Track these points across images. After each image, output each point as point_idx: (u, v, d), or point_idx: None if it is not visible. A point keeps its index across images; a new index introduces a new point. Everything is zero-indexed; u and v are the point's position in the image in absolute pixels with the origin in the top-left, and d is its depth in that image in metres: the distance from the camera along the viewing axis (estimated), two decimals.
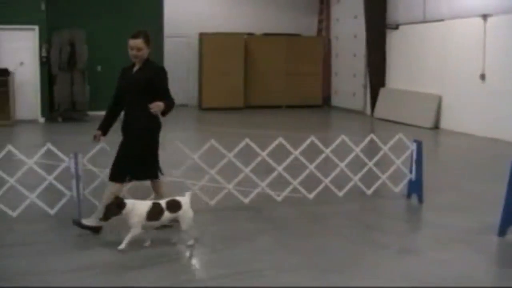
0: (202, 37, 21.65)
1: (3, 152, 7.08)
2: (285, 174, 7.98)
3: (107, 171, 7.41)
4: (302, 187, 8.04)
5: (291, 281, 5.36)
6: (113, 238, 6.41)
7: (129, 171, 6.52)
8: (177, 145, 7.67)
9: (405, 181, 8.36)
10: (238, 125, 17.46)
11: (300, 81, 22.27)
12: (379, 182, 8.39)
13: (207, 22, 22.31)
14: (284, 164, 7.96)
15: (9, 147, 7.08)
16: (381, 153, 8.44)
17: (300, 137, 8.59)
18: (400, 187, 8.39)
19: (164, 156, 7.61)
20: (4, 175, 7.11)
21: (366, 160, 8.39)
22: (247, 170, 7.84)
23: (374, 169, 8.41)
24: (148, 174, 6.71)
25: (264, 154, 7.86)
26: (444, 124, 16.25)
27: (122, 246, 5.94)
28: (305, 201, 7.99)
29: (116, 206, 5.96)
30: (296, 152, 8.01)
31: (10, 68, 17.82)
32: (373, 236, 6.77)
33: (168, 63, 21.05)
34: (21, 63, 18.26)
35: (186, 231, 6.16)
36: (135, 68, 6.61)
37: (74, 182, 6.89)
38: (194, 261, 6.00)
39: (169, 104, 6.48)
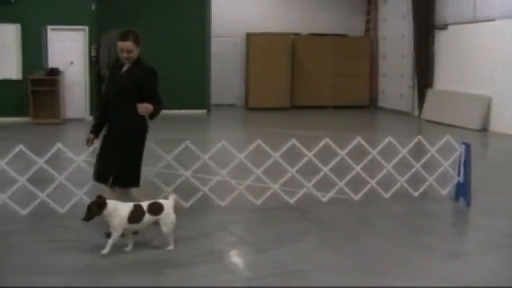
0: (249, 37, 21.69)
1: (53, 150, 7.20)
2: (331, 175, 7.95)
3: (154, 170, 7.51)
4: (348, 188, 8.00)
5: (336, 282, 5.34)
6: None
7: (113, 174, 6.31)
8: (223, 145, 7.70)
9: (453, 183, 8.26)
10: (284, 125, 17.44)
11: (347, 81, 22.16)
12: (426, 184, 8.30)
13: (254, 22, 22.34)
14: (330, 164, 7.93)
15: (58, 145, 7.21)
16: (428, 155, 8.35)
17: (347, 137, 8.55)
18: (448, 190, 8.28)
19: (211, 155, 7.68)
20: (54, 172, 7.24)
21: (413, 161, 8.31)
22: (293, 170, 7.84)
23: (421, 171, 8.33)
24: (130, 181, 6.46)
25: (310, 154, 7.85)
26: (493, 126, 15.95)
27: (105, 250, 5.83)
28: (350, 202, 7.95)
29: (97, 206, 5.84)
30: (343, 153, 7.97)
31: (60, 68, 18.12)
32: (419, 239, 6.70)
33: (215, 63, 21.19)
34: (71, 63, 18.54)
35: (166, 234, 6.00)
36: (124, 68, 6.44)
37: None
38: (239, 261, 6.03)
39: (158, 108, 6.37)
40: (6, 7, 18.02)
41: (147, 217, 5.92)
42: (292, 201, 7.79)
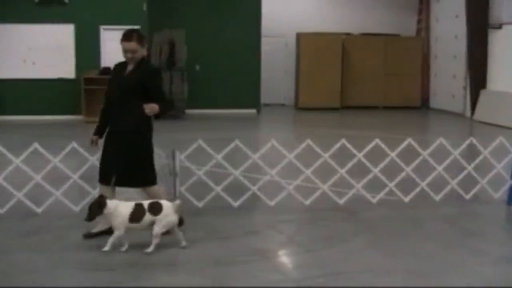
0: (300, 37, 21.68)
1: None
2: (381, 176, 7.90)
3: (204, 169, 7.58)
4: (398, 190, 7.94)
5: (385, 284, 5.29)
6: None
7: (115, 174, 6.23)
8: (273, 144, 7.72)
9: (506, 187, 8.11)
10: (334, 126, 17.39)
11: (398, 82, 21.96)
12: (478, 187, 8.17)
13: (304, 22, 22.32)
14: (381, 165, 7.88)
15: None
16: (480, 157, 8.22)
17: (397, 138, 8.48)
18: (500, 193, 8.15)
19: (260, 154, 7.71)
20: None
21: (465, 163, 8.20)
22: (342, 171, 7.81)
23: (473, 173, 8.20)
24: (142, 180, 6.42)
25: (360, 155, 7.81)
26: None
27: (106, 248, 5.87)
28: (400, 204, 7.88)
29: (97, 206, 5.85)
30: (393, 154, 7.91)
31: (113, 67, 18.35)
32: (469, 242, 6.59)
33: (265, 63, 21.21)
34: None
35: (154, 234, 5.89)
36: (129, 68, 6.34)
37: (171, 178, 7.01)
38: (287, 261, 6.03)
39: (164, 107, 6.28)
40: (61, 8, 18.38)
41: (147, 217, 5.88)
42: (341, 201, 7.76)
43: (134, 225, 5.89)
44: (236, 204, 7.58)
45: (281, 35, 22.70)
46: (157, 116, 6.25)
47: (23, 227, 6.81)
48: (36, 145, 7.34)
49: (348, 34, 22.07)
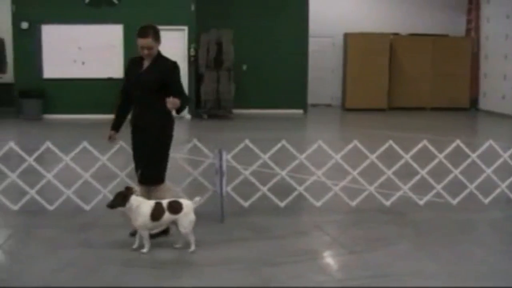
0: (347, 37, 21.58)
1: None
2: (428, 178, 7.82)
3: (250, 169, 7.60)
4: (445, 192, 7.85)
5: None
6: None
7: (139, 170, 6.30)
8: (320, 145, 7.71)
9: None
10: (381, 127, 17.25)
11: (447, 82, 21.69)
12: None
13: (352, 22, 22.22)
14: (428, 167, 7.81)
15: None
16: None
17: (445, 140, 8.39)
18: None
19: (307, 155, 7.71)
20: None
21: None
22: (389, 172, 7.76)
23: None
24: (151, 179, 6.38)
25: (407, 156, 7.74)
26: None
27: (145, 250, 5.90)
28: (448, 207, 7.79)
29: (122, 198, 5.86)
30: (441, 156, 7.83)
31: None
32: None
33: (312, 63, 21.17)
34: None
35: (185, 235, 5.93)
36: (145, 65, 6.31)
37: (217, 178, 7.06)
38: (332, 262, 6.02)
39: (184, 102, 6.18)
40: (110, 8, 18.66)
41: (167, 215, 5.88)
42: (387, 203, 7.71)
43: (154, 223, 5.92)
44: (282, 204, 7.59)
45: (329, 35, 22.63)
46: (178, 111, 6.18)
47: (72, 224, 6.94)
48: (85, 143, 7.47)
49: (396, 34, 21.89)
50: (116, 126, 6.57)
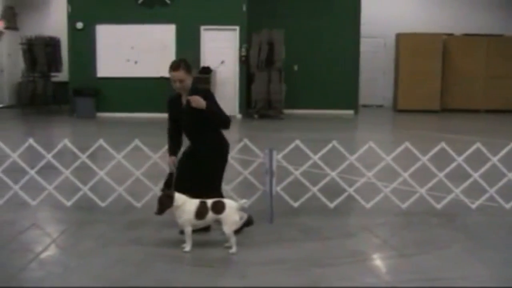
0: (399, 37, 21.39)
1: None
2: (481, 181, 7.68)
3: (300, 169, 7.59)
4: (499, 196, 7.70)
5: None
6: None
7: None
8: (370, 146, 7.65)
9: None
10: (433, 128, 17.05)
11: (502, 84, 21.32)
12: None
13: (404, 22, 22.04)
14: (481, 170, 7.67)
15: None
16: None
17: (499, 143, 8.23)
18: None
19: (358, 156, 7.66)
20: None
21: None
22: (441, 175, 7.65)
23: None
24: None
25: (460, 159, 7.63)
26: None
27: (187, 248, 5.93)
28: (501, 211, 7.64)
29: (167, 198, 5.92)
30: (495, 159, 7.69)
31: (212, 66, 18.70)
32: None
33: (363, 64, 21.07)
34: (222, 62, 19.10)
35: (228, 236, 5.91)
36: (184, 100, 6.45)
37: (267, 178, 7.06)
38: (382, 264, 5.96)
39: (212, 107, 6.27)
40: (163, 9, 18.87)
41: (210, 215, 5.92)
42: (438, 206, 7.60)
43: (198, 222, 5.97)
44: (332, 205, 7.56)
45: (380, 36, 22.48)
46: (209, 114, 6.27)
47: (123, 221, 7.03)
48: (137, 141, 7.56)
49: (449, 34, 21.59)
50: (174, 151, 6.58)
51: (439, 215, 7.41)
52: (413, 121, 18.95)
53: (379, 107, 22.71)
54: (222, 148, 6.53)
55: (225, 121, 6.44)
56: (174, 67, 6.37)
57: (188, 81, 6.40)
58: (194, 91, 6.42)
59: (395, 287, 5.21)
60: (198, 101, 6.20)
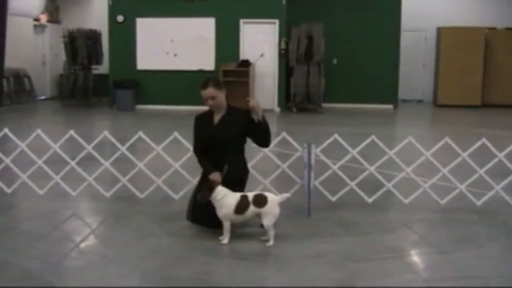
0: (440, 31, 21.12)
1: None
2: None
3: (339, 163, 7.56)
4: None
5: None
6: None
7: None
8: (410, 141, 7.58)
9: None
10: (474, 124, 16.85)
11: None
12: None
13: (445, 16, 21.78)
14: None
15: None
16: None
17: None
18: None
19: (396, 151, 7.60)
20: None
21: None
22: (481, 171, 7.55)
23: None
24: None
25: (501, 155, 7.52)
26: None
27: (225, 241, 5.94)
28: None
29: (208, 189, 5.89)
30: None
31: (251, 60, 18.71)
32: None
33: (404, 58, 20.87)
34: (262, 55, 19.09)
35: (267, 228, 5.89)
36: (217, 118, 6.36)
37: (306, 171, 7.05)
38: (419, 260, 5.91)
39: (268, 124, 6.34)
40: (203, 2, 18.93)
41: (251, 209, 5.90)
42: (478, 203, 7.51)
43: (238, 216, 5.95)
44: (370, 200, 7.52)
45: (421, 29, 22.25)
46: (260, 124, 6.28)
47: (161, 212, 7.09)
48: (175, 134, 7.62)
49: (491, 28, 21.25)
50: (213, 168, 6.25)
51: (478, 212, 7.32)
52: (454, 116, 18.73)
53: (419, 102, 22.48)
54: (247, 175, 6.56)
55: (270, 137, 6.47)
56: (202, 85, 6.29)
57: (221, 97, 6.30)
58: (230, 109, 6.40)
59: (433, 286, 5.17)
60: (258, 104, 6.18)
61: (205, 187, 5.98)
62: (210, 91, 6.24)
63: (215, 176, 6.12)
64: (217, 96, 6.26)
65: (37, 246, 5.89)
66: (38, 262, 5.43)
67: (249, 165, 6.76)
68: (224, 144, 6.30)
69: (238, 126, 6.31)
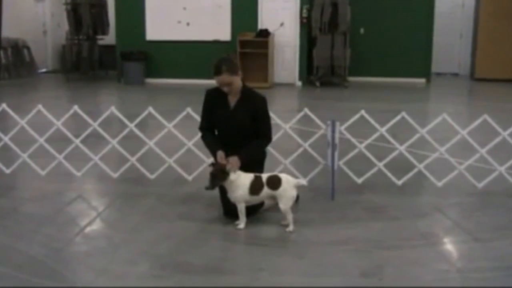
0: None
1: None
2: None
3: (365, 142, 7.56)
4: None
5: None
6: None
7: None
8: (444, 118, 7.56)
9: None
10: None
11: None
12: None
13: None
14: None
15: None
16: None
17: None
18: None
19: (429, 129, 7.58)
20: None
21: None
22: None
23: None
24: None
25: None
26: None
27: (241, 225, 5.98)
28: None
29: (221, 172, 5.87)
30: None
31: (270, 29, 18.65)
32: None
33: (438, 26, 20.73)
34: (282, 24, 19.04)
35: (284, 212, 5.93)
36: (232, 102, 6.29)
37: (329, 151, 7.06)
38: (453, 249, 5.92)
39: (248, 155, 6.12)
40: None
41: (265, 190, 5.94)
42: None
43: (253, 197, 5.99)
44: (399, 182, 7.52)
45: None
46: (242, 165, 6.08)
47: (173, 194, 7.15)
48: (188, 110, 7.64)
49: None
50: (220, 146, 6.26)
51: None
52: (493, 91, 18.61)
53: (454, 76, 22.35)
54: (265, 156, 6.61)
55: (263, 152, 6.50)
56: (215, 70, 6.11)
57: (236, 82, 6.19)
58: (249, 95, 6.32)
59: (468, 277, 5.18)
60: (235, 164, 5.98)
61: (218, 172, 5.94)
62: (224, 78, 6.11)
63: (220, 155, 6.10)
64: (233, 82, 6.16)
65: (41, 230, 5.97)
66: (41, 247, 5.49)
67: None
68: (241, 131, 6.28)
69: (250, 113, 6.24)
